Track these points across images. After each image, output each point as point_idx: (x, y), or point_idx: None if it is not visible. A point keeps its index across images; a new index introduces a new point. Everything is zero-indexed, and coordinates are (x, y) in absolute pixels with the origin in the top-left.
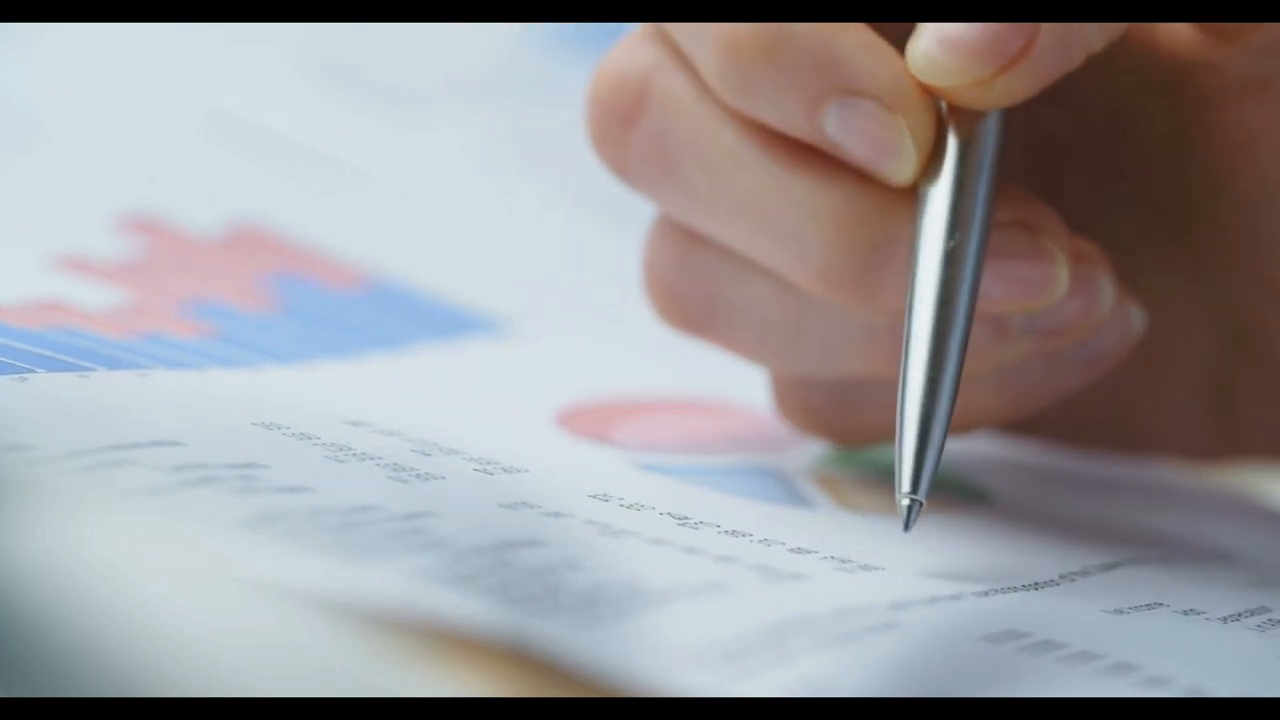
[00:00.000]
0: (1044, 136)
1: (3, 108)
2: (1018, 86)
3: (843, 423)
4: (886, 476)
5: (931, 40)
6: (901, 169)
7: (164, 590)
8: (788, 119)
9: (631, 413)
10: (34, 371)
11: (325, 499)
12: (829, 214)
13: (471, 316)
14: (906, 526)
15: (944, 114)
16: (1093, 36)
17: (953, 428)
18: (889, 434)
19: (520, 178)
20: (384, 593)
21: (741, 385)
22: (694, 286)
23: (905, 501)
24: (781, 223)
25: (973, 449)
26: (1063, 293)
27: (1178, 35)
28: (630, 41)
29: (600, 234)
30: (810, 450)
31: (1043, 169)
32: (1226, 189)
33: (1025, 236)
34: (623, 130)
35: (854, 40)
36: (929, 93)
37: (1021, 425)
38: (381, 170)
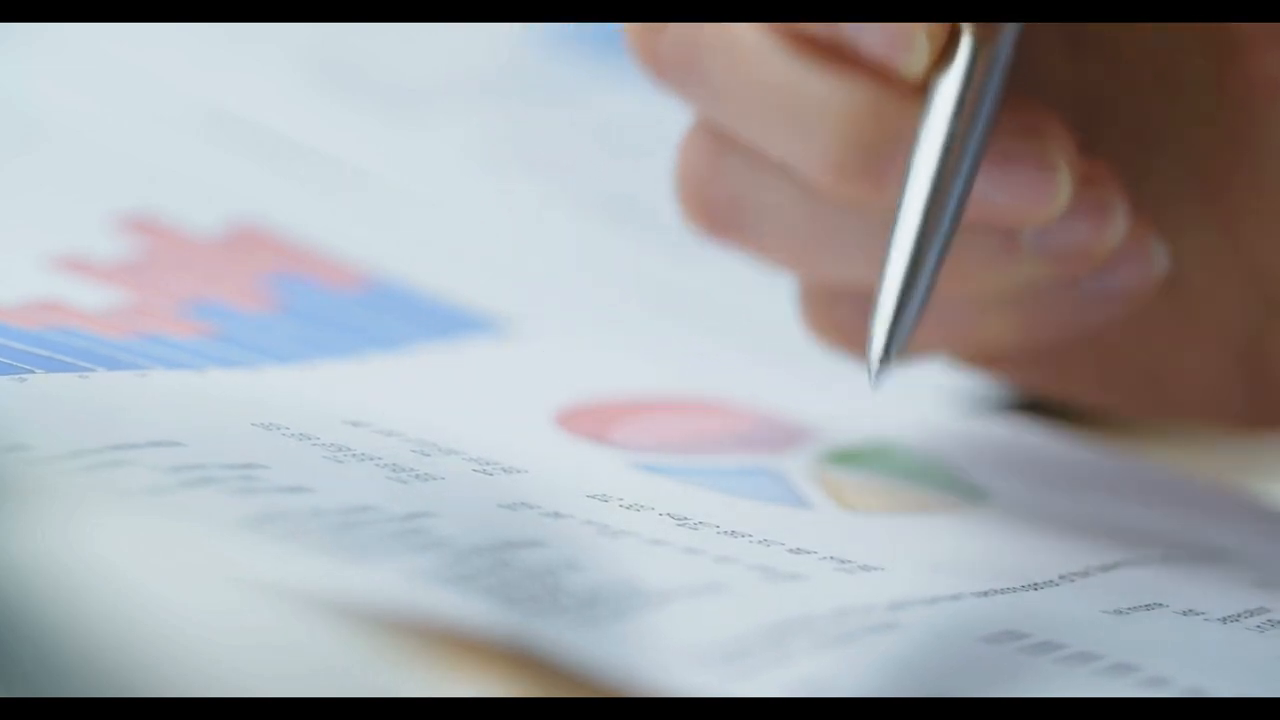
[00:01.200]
0: (1082, 92)
1: (2, 108)
2: None
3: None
4: (887, 477)
5: None
6: (914, 62)
7: (164, 590)
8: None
9: (631, 413)
10: (33, 372)
11: (325, 499)
12: (842, 108)
13: (471, 316)
14: (874, 383)
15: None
16: None
17: (975, 358)
18: (913, 349)
19: (520, 178)
20: (383, 593)
21: (742, 385)
22: (721, 189)
23: (876, 364)
24: (798, 117)
25: (972, 448)
26: (1063, 202)
27: None
28: None
29: (600, 234)
30: (810, 450)
31: (1084, 116)
32: (1262, 143)
33: (1029, 142)
34: (653, 30)
35: None
36: None
37: (1052, 386)
38: (381, 170)
